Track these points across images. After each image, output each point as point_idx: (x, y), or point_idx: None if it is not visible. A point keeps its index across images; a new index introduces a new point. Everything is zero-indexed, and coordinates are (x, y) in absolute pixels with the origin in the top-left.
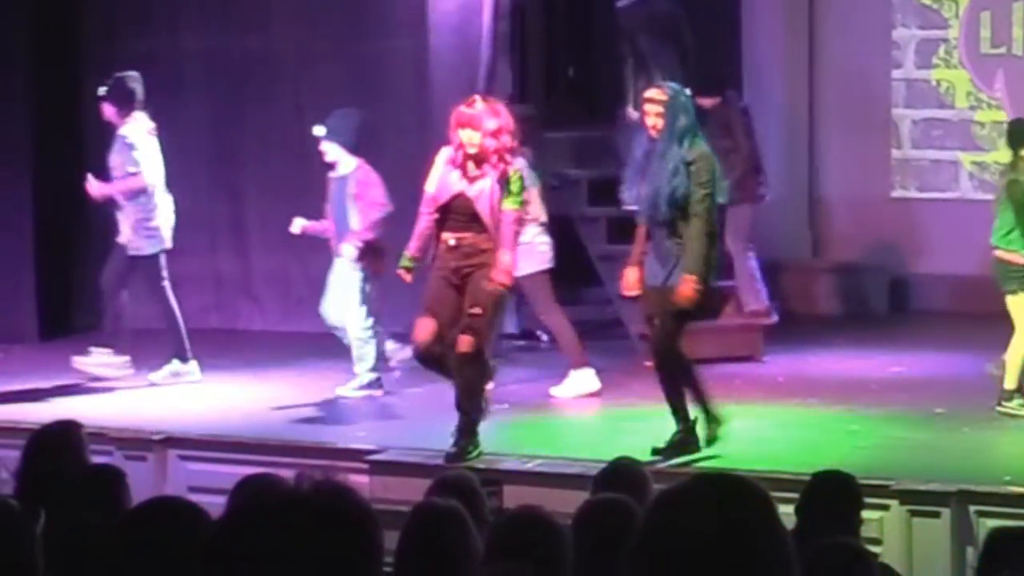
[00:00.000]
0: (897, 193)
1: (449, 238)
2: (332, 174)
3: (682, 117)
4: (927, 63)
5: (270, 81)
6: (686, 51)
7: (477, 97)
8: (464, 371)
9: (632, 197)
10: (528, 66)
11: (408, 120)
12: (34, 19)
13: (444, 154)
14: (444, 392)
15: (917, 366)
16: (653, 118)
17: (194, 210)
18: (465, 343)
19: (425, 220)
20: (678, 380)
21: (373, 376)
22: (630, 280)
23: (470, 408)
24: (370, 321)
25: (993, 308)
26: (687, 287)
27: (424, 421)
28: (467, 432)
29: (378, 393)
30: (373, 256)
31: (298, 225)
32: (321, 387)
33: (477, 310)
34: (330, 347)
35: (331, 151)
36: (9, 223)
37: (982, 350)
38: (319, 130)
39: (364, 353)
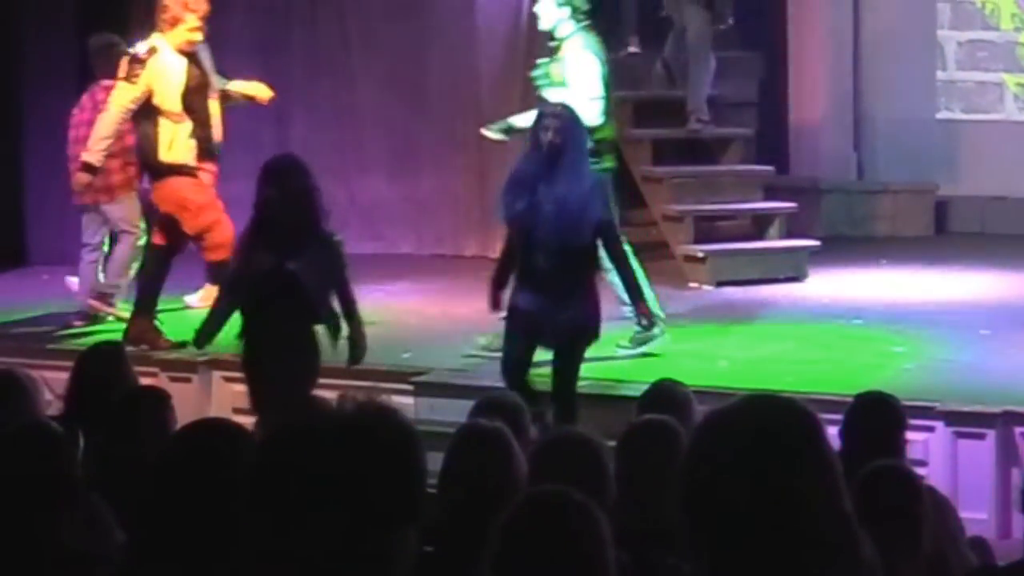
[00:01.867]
0: (942, 115)
1: None
2: None
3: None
4: None
5: (315, 5)
6: None
7: None
8: None
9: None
10: None
11: (455, 46)
12: None
13: None
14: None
15: (962, 288)
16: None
17: (239, 133)
18: None
19: None
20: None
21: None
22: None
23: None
24: None
25: None
26: None
27: (470, 343)
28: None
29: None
30: None
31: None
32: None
33: None
34: (373, 270)
35: None
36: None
37: None
38: None
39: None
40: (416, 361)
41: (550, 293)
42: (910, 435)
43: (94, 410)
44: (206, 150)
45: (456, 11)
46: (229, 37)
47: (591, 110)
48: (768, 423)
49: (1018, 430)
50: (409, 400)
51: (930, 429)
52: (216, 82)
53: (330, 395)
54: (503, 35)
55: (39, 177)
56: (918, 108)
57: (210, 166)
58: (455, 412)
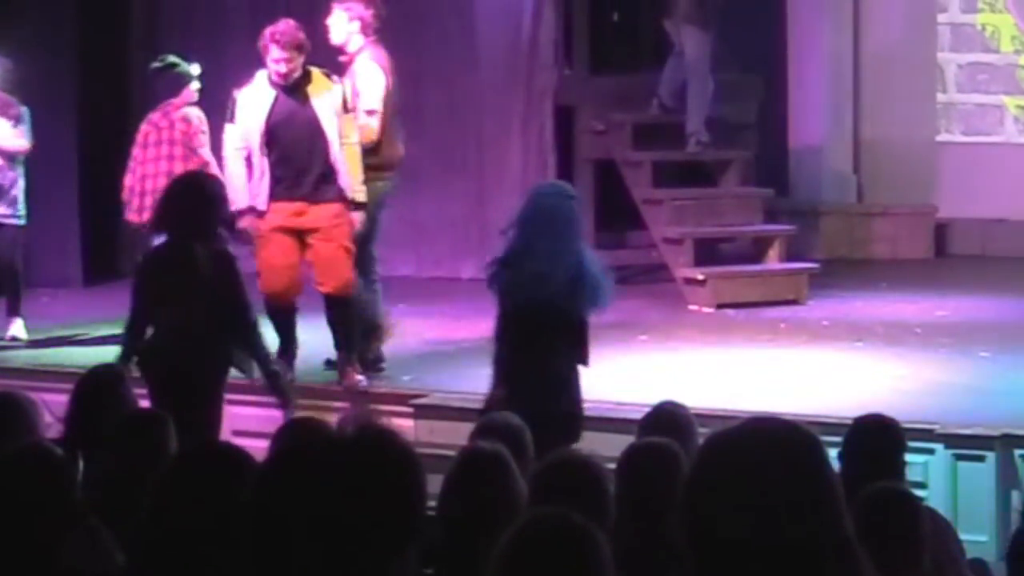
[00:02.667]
0: (942, 137)
1: None
2: None
3: None
4: (972, 7)
5: (315, 21)
6: None
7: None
8: None
9: None
10: (573, 10)
11: (453, 61)
12: None
13: None
14: (486, 335)
15: (961, 310)
16: None
17: None
18: None
19: None
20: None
21: None
22: None
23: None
24: None
25: None
26: None
27: (469, 366)
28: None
29: None
30: None
31: None
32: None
33: None
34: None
35: None
36: (54, 171)
37: None
38: None
39: None
40: (416, 384)
41: None
42: (910, 457)
43: (94, 433)
44: None
45: (455, 35)
46: (231, 54)
47: (368, 124)
48: (771, 449)
49: (1018, 452)
50: (409, 423)
51: (930, 451)
52: None
53: (331, 418)
54: (502, 59)
55: (41, 198)
56: (918, 130)
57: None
58: (455, 435)
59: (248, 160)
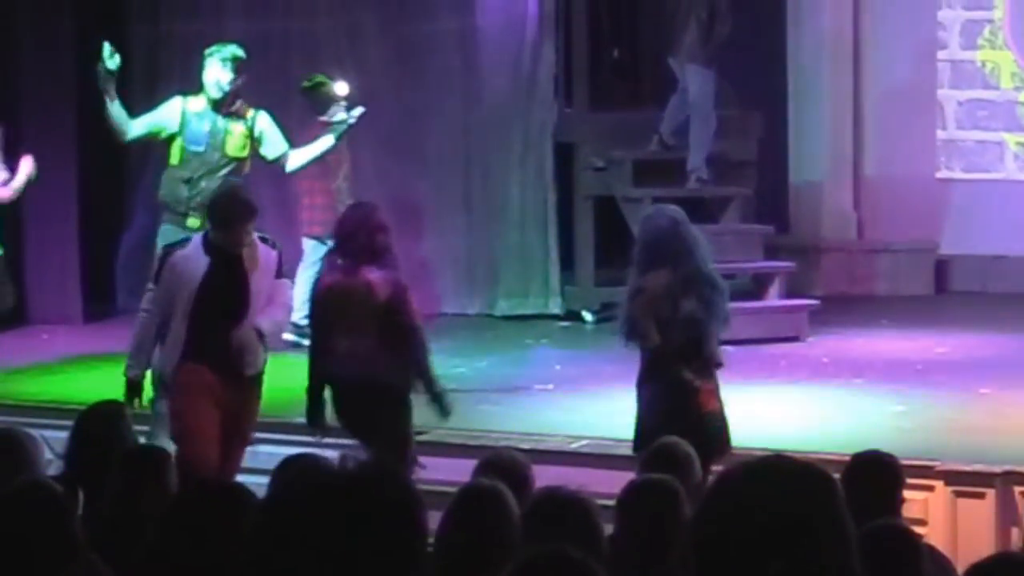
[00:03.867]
0: (942, 174)
1: None
2: None
3: None
4: (972, 44)
5: (314, 63)
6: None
7: None
8: None
9: None
10: (573, 47)
11: (453, 98)
12: (79, 5)
13: None
14: (488, 373)
15: (962, 347)
16: None
17: None
18: None
19: None
20: None
21: None
22: None
23: None
24: None
25: None
26: None
27: (468, 401)
28: None
29: None
30: None
31: None
32: None
33: None
34: None
35: None
36: (54, 208)
37: None
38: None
39: None
40: (416, 420)
41: None
42: (910, 494)
43: (94, 469)
44: None
45: (456, 72)
46: None
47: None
48: (787, 484)
49: (1018, 490)
50: None
51: (930, 488)
52: None
53: (331, 454)
54: (502, 96)
55: (39, 236)
56: (918, 167)
57: None
58: (455, 471)
59: None
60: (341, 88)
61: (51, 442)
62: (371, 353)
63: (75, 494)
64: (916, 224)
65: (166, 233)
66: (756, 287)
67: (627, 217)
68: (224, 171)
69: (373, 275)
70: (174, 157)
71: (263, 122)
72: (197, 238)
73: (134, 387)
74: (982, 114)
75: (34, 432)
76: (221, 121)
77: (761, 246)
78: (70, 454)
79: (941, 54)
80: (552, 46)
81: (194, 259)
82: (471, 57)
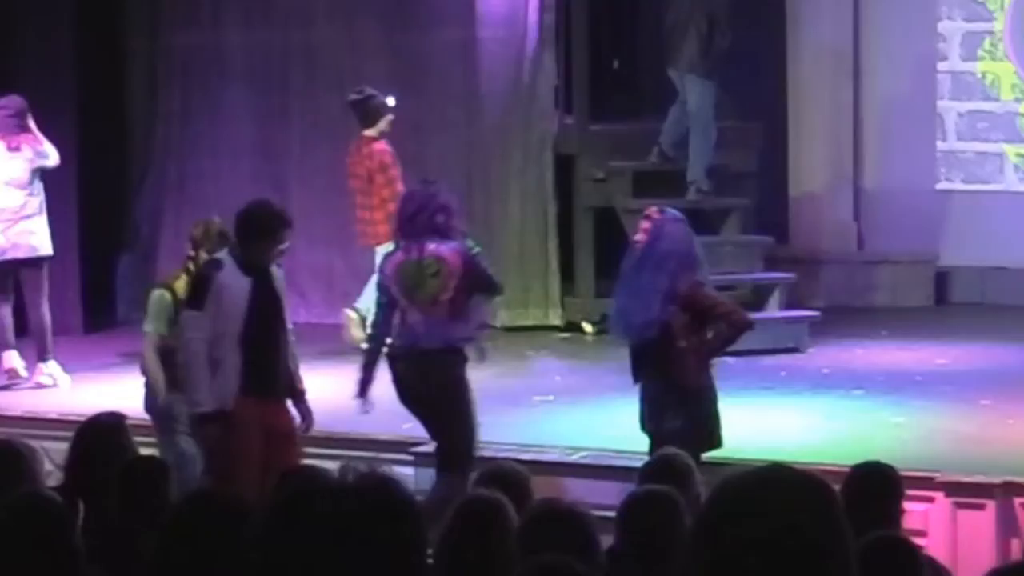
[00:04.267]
0: (942, 185)
1: None
2: None
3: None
4: (972, 55)
5: (314, 74)
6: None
7: None
8: None
9: None
10: (573, 59)
11: (454, 109)
12: (78, 15)
13: None
14: (488, 384)
15: (962, 358)
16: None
17: (239, 202)
18: None
19: None
20: None
21: None
22: None
23: None
24: None
25: None
26: None
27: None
28: None
29: None
30: None
31: None
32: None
33: None
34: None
35: None
36: (55, 219)
37: None
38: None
39: None
40: (416, 432)
41: None
42: (910, 505)
43: (95, 481)
44: None
45: (456, 84)
46: (228, 107)
47: None
48: (788, 493)
49: (1018, 501)
50: (409, 471)
51: (930, 499)
52: None
53: (331, 466)
54: (502, 107)
55: None
56: (918, 178)
57: None
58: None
59: None
60: (390, 101)
61: (51, 453)
62: (444, 323)
63: (75, 506)
64: (916, 235)
65: None
66: (756, 298)
67: (627, 228)
68: None
69: (441, 248)
70: None
71: None
72: (227, 258)
73: (214, 421)
74: (982, 125)
75: (34, 443)
76: None
77: (761, 257)
78: (70, 466)
79: (941, 65)
80: (552, 57)
81: (235, 280)
82: (471, 68)
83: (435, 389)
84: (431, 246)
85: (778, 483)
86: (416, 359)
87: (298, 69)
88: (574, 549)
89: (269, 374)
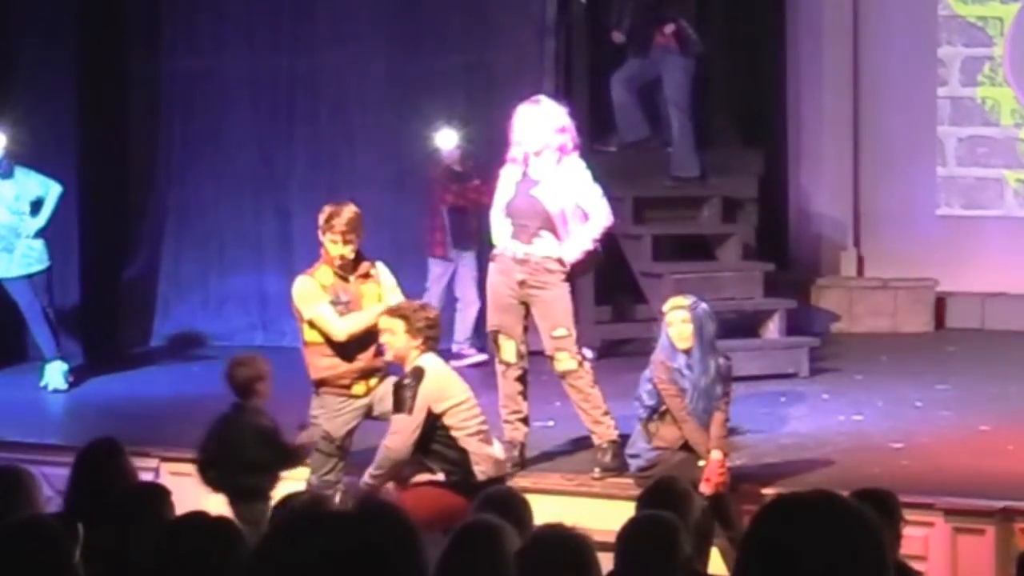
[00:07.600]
0: (942, 210)
1: None
2: None
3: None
4: (972, 81)
5: (317, 102)
6: None
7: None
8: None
9: None
10: (573, 85)
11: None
12: (79, 41)
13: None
14: (487, 409)
15: (962, 384)
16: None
17: (241, 229)
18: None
19: None
20: None
21: None
22: None
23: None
24: None
25: None
26: None
27: None
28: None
29: None
30: None
31: None
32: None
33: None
34: None
35: None
36: (55, 245)
37: None
38: None
39: None
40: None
41: None
42: (910, 531)
43: (94, 506)
44: None
45: (461, 108)
46: (230, 133)
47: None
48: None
49: (1018, 526)
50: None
51: (929, 524)
52: None
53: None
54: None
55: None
56: (918, 204)
57: None
58: None
59: None
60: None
61: (51, 479)
62: None
63: (75, 531)
64: (916, 261)
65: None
66: (756, 324)
67: (627, 254)
68: None
69: None
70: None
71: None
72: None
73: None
74: (982, 151)
75: (33, 469)
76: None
77: (761, 283)
78: (70, 491)
79: (941, 91)
80: (552, 84)
81: None
82: (475, 94)
83: None
84: None
85: (831, 504)
86: None
87: (301, 95)
88: (573, 573)
89: None
